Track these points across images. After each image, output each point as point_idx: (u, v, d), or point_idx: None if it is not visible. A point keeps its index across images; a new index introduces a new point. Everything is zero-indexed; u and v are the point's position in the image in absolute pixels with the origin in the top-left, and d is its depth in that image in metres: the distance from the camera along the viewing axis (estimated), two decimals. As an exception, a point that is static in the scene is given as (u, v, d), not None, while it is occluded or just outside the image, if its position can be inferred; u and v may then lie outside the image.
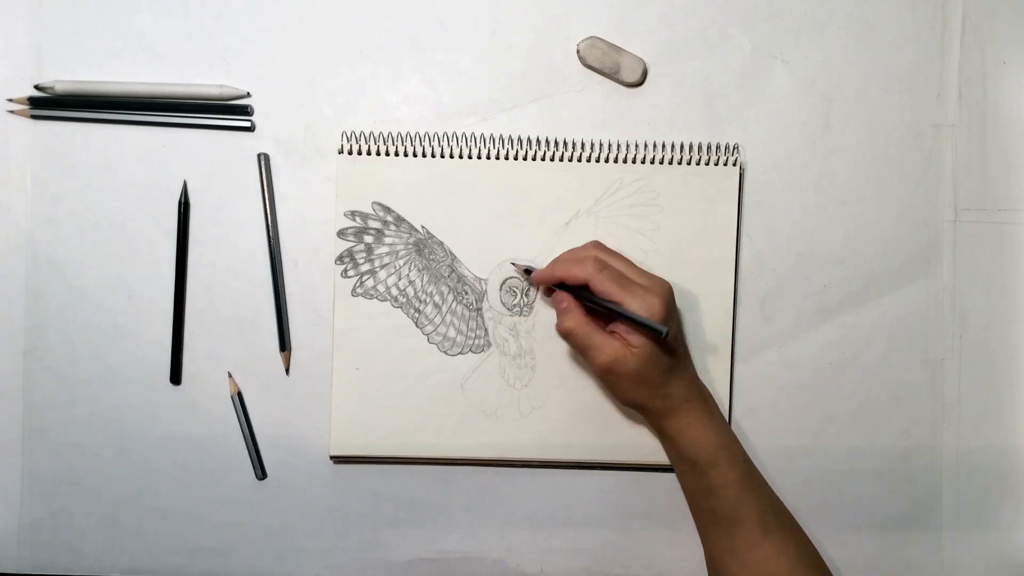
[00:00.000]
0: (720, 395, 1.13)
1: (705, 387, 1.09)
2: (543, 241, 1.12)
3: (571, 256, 1.05)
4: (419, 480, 1.14)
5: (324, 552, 1.15)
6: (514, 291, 1.11)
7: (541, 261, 1.12)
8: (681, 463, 1.08)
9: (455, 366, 1.12)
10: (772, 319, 1.16)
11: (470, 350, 1.13)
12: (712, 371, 1.13)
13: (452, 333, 1.12)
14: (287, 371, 1.14)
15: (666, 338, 0.98)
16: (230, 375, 1.11)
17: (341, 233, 1.11)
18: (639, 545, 1.16)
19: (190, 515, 1.13)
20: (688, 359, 1.09)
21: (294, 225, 1.12)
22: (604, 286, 1.01)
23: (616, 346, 1.02)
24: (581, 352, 1.04)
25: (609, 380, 1.04)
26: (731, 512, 1.04)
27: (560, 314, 1.04)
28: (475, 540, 1.15)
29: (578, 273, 1.02)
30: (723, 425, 1.06)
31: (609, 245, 1.11)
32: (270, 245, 1.12)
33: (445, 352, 1.13)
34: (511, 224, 1.11)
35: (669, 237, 1.12)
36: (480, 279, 1.12)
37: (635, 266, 1.06)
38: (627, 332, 1.01)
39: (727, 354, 1.13)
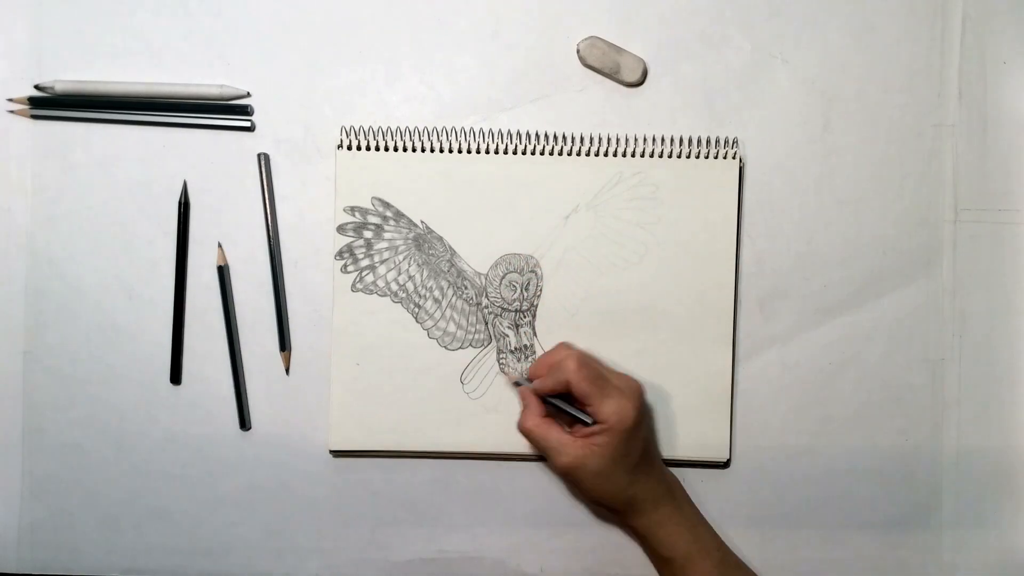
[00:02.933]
0: (721, 394, 1.13)
1: (673, 477, 1.08)
2: (542, 236, 1.12)
3: (548, 360, 1.05)
4: (419, 478, 1.13)
5: (323, 552, 1.14)
6: (514, 286, 1.10)
7: (540, 255, 1.12)
8: (655, 560, 1.08)
9: (455, 361, 1.12)
10: (772, 319, 1.15)
11: (470, 344, 1.12)
12: (713, 368, 1.12)
13: (452, 328, 1.12)
14: (287, 371, 1.14)
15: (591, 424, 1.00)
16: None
17: (341, 228, 1.11)
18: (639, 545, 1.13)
19: (190, 515, 1.13)
20: (656, 454, 1.08)
21: (294, 224, 1.12)
22: (581, 386, 1.01)
23: (577, 446, 1.01)
24: (541, 451, 1.03)
25: (570, 480, 1.03)
26: None
27: (522, 411, 1.05)
28: (475, 540, 1.14)
29: (558, 377, 1.02)
30: (694, 516, 1.06)
31: (609, 239, 1.12)
32: (270, 245, 1.12)
33: (445, 347, 1.12)
34: (510, 218, 1.11)
35: (669, 231, 1.12)
36: (480, 274, 1.12)
37: (608, 368, 1.06)
38: (591, 432, 1.01)
39: (728, 351, 1.12)
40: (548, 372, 1.03)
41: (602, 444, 0.99)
